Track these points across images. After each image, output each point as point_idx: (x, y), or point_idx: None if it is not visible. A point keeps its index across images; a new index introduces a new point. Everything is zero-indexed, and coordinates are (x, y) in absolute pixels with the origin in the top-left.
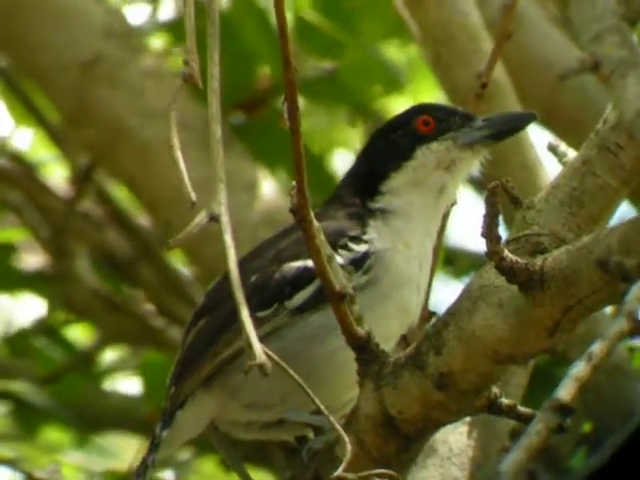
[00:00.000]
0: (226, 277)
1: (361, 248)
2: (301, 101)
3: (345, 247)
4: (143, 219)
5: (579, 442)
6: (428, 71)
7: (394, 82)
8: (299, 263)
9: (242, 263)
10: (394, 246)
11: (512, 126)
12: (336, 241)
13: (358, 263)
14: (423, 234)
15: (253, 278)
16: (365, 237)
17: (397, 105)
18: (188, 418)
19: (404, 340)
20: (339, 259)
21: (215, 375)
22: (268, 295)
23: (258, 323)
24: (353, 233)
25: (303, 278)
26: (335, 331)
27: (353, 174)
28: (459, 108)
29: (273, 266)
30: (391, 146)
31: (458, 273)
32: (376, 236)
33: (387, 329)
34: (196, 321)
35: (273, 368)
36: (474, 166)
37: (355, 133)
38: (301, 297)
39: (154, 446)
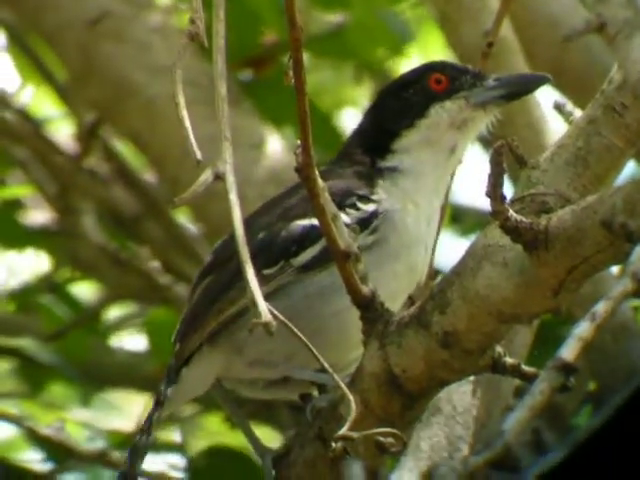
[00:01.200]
0: (233, 235)
1: (369, 207)
2: (306, 57)
3: (353, 206)
4: (149, 176)
5: (584, 400)
6: (435, 28)
7: (401, 40)
8: (306, 221)
9: (249, 220)
10: (403, 206)
11: (524, 87)
12: (344, 200)
13: (365, 223)
14: (432, 193)
15: (260, 236)
16: (373, 197)
17: (404, 62)
18: (193, 375)
19: (409, 299)
20: (346, 218)
21: (220, 332)
22: (274, 253)
23: (264, 280)
24: (361, 192)
25: (310, 236)
26: (341, 290)
27: (362, 132)
28: (470, 66)
29: (280, 224)
30: (403, 104)
31: (464, 231)
32: (385, 196)
33: (394, 288)
34: (202, 279)
35: (278, 327)
36: (485, 125)
37: (361, 90)
38: (307, 255)
39: (159, 403)
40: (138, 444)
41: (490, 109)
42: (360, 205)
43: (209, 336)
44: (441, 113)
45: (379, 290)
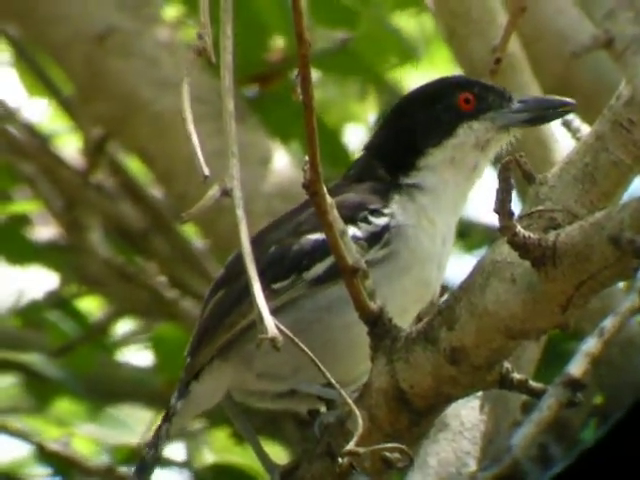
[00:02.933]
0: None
1: (380, 221)
2: (313, 73)
3: (365, 220)
4: (156, 191)
5: (590, 414)
6: (443, 43)
7: (408, 54)
8: (317, 235)
9: (261, 235)
10: (418, 222)
11: (550, 114)
12: (356, 214)
13: (377, 236)
14: (450, 212)
15: (271, 250)
16: (386, 210)
17: (411, 77)
18: (204, 389)
19: (416, 315)
20: (358, 232)
21: (231, 346)
22: (285, 267)
23: (274, 294)
24: (373, 206)
25: (321, 250)
26: (351, 304)
27: (384, 146)
28: (496, 85)
29: (291, 238)
30: (432, 121)
31: (471, 246)
32: (399, 210)
33: (405, 303)
34: (215, 292)
35: (285, 340)
36: (504, 146)
37: (367, 106)
38: (319, 269)
39: (168, 417)
40: (146, 458)
41: (513, 131)
42: (372, 219)
43: (220, 350)
44: (469, 134)
45: (389, 305)
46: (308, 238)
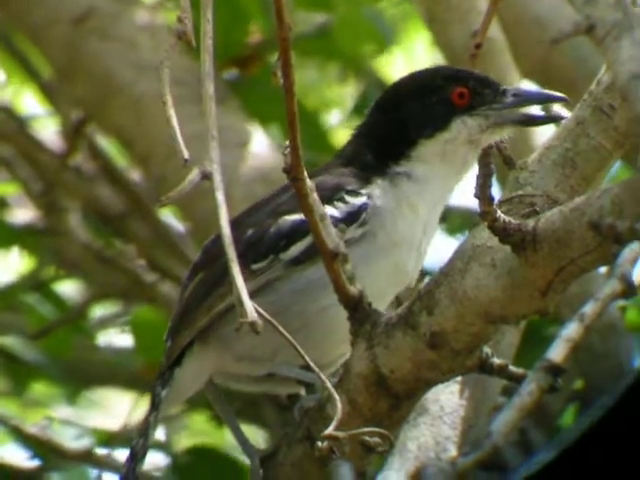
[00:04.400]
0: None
1: (357, 201)
2: (292, 56)
3: (342, 200)
4: (135, 174)
5: (570, 399)
6: (421, 26)
7: (385, 39)
8: (295, 216)
9: (240, 218)
10: (397, 206)
11: (543, 117)
12: (333, 195)
13: (354, 216)
14: (436, 202)
15: (249, 232)
16: (363, 191)
17: (390, 62)
18: (187, 374)
19: (396, 300)
20: (335, 212)
21: (210, 329)
22: (263, 248)
23: (252, 275)
24: (351, 187)
25: (299, 231)
26: (328, 286)
27: (375, 134)
28: (490, 78)
29: (269, 220)
30: (425, 112)
31: (451, 230)
32: (378, 193)
33: (381, 286)
34: (193, 276)
35: (264, 323)
36: (494, 140)
37: (346, 90)
38: (296, 249)
39: (155, 405)
40: (136, 448)
41: (507, 129)
42: (349, 199)
43: (200, 333)
44: (462, 129)
45: (367, 286)
46: (286, 219)
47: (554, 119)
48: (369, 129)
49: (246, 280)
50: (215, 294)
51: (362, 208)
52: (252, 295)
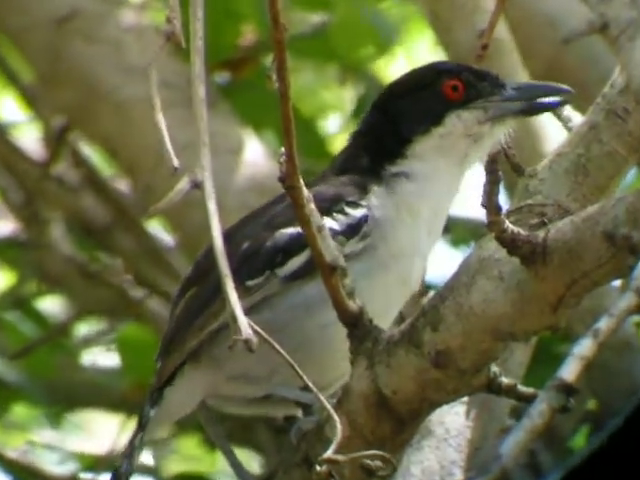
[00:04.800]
0: (213, 246)
1: (357, 213)
2: (288, 58)
3: (341, 212)
4: (121, 183)
5: (583, 420)
6: (424, 27)
7: (386, 40)
8: (292, 229)
9: (233, 230)
10: (397, 215)
11: (546, 103)
12: (332, 206)
13: (354, 229)
14: (442, 200)
15: (244, 246)
16: (363, 202)
17: (391, 64)
18: (178, 395)
19: (399, 315)
20: (335, 224)
21: (203, 349)
22: (259, 263)
23: (247, 292)
24: (351, 198)
25: (296, 244)
26: (328, 303)
27: (369, 135)
28: (488, 71)
29: (265, 233)
30: (418, 108)
31: (455, 242)
32: (377, 202)
33: (385, 301)
34: (184, 292)
35: (259, 341)
36: (500, 136)
37: (345, 93)
38: (293, 264)
39: (142, 426)
40: (120, 471)
41: (508, 122)
42: (348, 210)
43: (192, 353)
44: (457, 123)
45: (369, 303)
46: (282, 232)
47: (557, 105)
48: (365, 132)
49: (241, 297)
50: (207, 312)
51: (362, 220)
52: (247, 312)
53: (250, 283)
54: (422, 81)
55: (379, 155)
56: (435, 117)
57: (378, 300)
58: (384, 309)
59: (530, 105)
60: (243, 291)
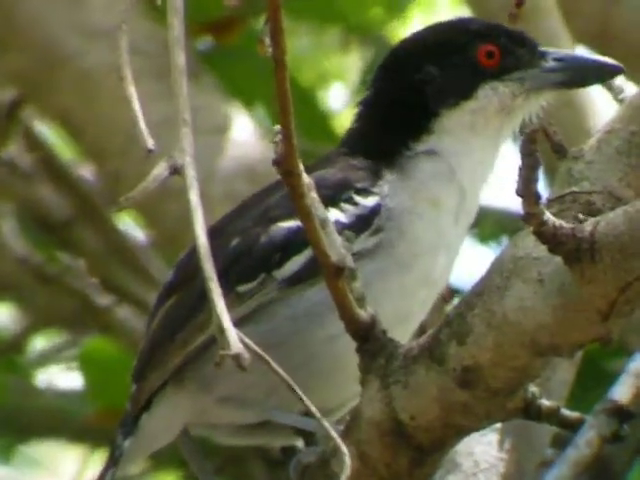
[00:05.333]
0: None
1: (369, 202)
2: (284, 20)
3: (349, 201)
4: (85, 169)
5: (638, 450)
6: None
7: (396, 4)
8: (291, 223)
9: (221, 225)
10: (415, 203)
11: (593, 75)
12: (338, 194)
13: (365, 220)
14: (472, 181)
15: (233, 243)
16: (375, 189)
17: (404, 27)
18: (156, 423)
19: (418, 326)
20: (341, 216)
21: (187, 368)
22: (252, 264)
23: (239, 299)
24: (361, 185)
25: (296, 242)
26: (336, 310)
27: (383, 104)
28: (527, 35)
29: (258, 227)
30: (446, 77)
31: (484, 237)
32: (392, 191)
33: (404, 307)
34: (164, 300)
35: (254, 357)
36: (533, 112)
37: (349, 61)
38: (293, 265)
39: (114, 459)
40: None
41: (546, 95)
42: (358, 199)
43: (173, 373)
44: (491, 97)
45: (384, 310)
46: (279, 226)
47: (604, 78)
48: (378, 102)
49: (231, 305)
50: (192, 323)
51: (375, 211)
52: (240, 323)
53: (242, 288)
54: (452, 43)
55: (398, 130)
56: (467, 89)
57: (395, 306)
58: (403, 317)
59: (572, 78)
60: (234, 298)
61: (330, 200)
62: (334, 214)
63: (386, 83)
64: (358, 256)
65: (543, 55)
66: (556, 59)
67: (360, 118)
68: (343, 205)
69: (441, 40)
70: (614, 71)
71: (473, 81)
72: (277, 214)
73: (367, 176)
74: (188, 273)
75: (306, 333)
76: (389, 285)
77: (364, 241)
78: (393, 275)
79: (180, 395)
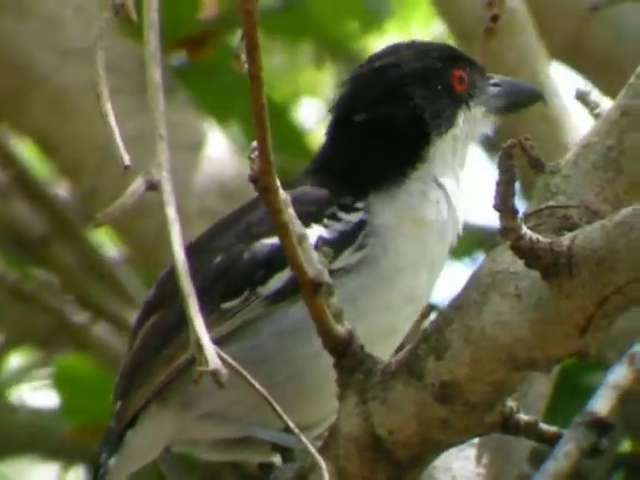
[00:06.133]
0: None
1: (352, 217)
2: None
3: (333, 217)
4: (60, 186)
5: (617, 464)
6: None
7: (375, 13)
8: (274, 240)
9: (201, 242)
10: (400, 221)
11: (523, 101)
12: (321, 210)
13: (349, 236)
14: (457, 200)
15: (217, 259)
16: (359, 204)
17: (379, 43)
18: (141, 440)
19: None
20: (324, 233)
21: (170, 385)
22: (236, 280)
23: (223, 316)
24: (344, 200)
25: (279, 258)
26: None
27: (373, 127)
28: (476, 60)
29: (241, 244)
30: (433, 104)
31: (460, 253)
32: (375, 208)
33: (388, 323)
34: (146, 318)
35: (233, 374)
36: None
37: (323, 76)
38: (277, 282)
39: (99, 476)
40: None
41: (494, 119)
42: (342, 215)
43: (157, 391)
44: (466, 123)
45: (369, 326)
46: (263, 243)
47: (532, 102)
48: (361, 124)
49: (216, 322)
50: (175, 341)
51: (359, 227)
52: (224, 340)
53: (226, 305)
54: (431, 68)
55: (392, 155)
56: (451, 116)
57: (380, 322)
58: (387, 333)
59: (510, 103)
60: (218, 315)
61: (313, 216)
62: (317, 230)
63: (370, 100)
64: (342, 272)
65: (488, 80)
66: (495, 84)
67: (341, 137)
68: (326, 221)
69: (421, 65)
70: (538, 97)
71: (454, 107)
72: (260, 231)
73: (351, 193)
74: (169, 291)
75: (292, 350)
76: (374, 301)
77: (348, 257)
78: (377, 291)
79: (164, 412)
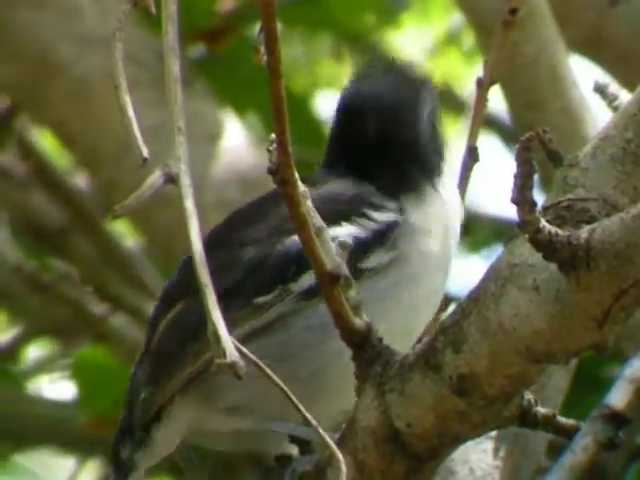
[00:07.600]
0: (206, 247)
1: (385, 217)
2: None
3: (364, 215)
4: (79, 177)
5: (634, 456)
6: None
7: (392, 8)
8: None
9: (223, 233)
10: (429, 223)
11: None
12: (352, 210)
13: (381, 236)
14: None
15: (249, 254)
16: (391, 205)
17: (398, 35)
18: (166, 433)
19: None
20: (357, 231)
21: (195, 378)
22: (268, 275)
23: (257, 311)
24: (375, 200)
25: None
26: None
27: (419, 143)
28: None
29: (274, 238)
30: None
31: (477, 245)
32: (407, 207)
33: (412, 322)
34: (167, 307)
35: (253, 367)
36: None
37: (341, 68)
38: (309, 279)
39: (124, 472)
40: None
41: None
42: (374, 214)
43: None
44: None
45: (395, 324)
46: (294, 239)
47: None
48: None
49: (249, 317)
50: (204, 336)
51: (391, 227)
52: (257, 334)
53: (259, 300)
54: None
55: (430, 170)
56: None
57: (405, 321)
58: (410, 331)
59: None
60: (252, 310)
61: (344, 215)
62: (349, 230)
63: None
64: (374, 271)
65: None
66: None
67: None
68: (358, 220)
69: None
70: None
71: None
72: (292, 227)
73: (381, 192)
74: (193, 279)
75: (317, 345)
76: (401, 301)
77: (379, 257)
78: (406, 291)
79: (187, 405)
